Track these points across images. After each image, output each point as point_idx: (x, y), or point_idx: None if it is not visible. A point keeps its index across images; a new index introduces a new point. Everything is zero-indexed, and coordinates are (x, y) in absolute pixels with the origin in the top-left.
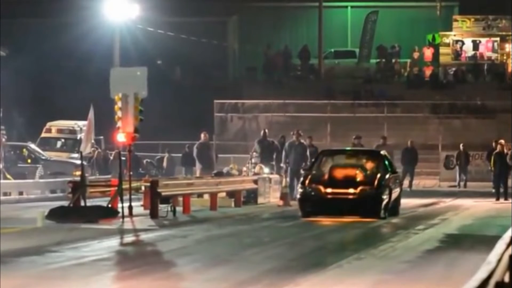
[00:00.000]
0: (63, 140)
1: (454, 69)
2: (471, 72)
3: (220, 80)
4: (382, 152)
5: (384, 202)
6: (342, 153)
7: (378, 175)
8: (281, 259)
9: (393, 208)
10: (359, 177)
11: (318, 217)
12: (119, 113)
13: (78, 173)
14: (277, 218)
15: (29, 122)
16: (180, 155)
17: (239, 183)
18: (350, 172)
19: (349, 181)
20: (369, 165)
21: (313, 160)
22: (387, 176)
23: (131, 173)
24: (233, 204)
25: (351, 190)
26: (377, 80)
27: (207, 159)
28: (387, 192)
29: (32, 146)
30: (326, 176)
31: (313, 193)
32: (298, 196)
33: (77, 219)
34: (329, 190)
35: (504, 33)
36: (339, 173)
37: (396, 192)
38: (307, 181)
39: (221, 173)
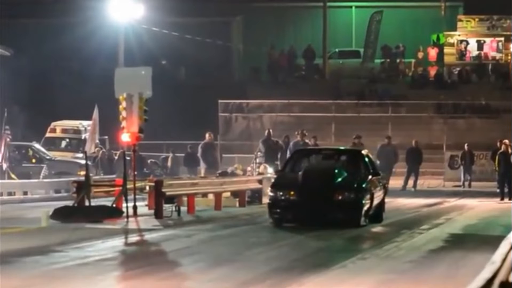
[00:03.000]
0: (67, 140)
1: (458, 69)
2: (475, 72)
3: (225, 80)
4: (364, 152)
5: (365, 208)
6: (319, 153)
7: (358, 178)
8: (284, 259)
9: (376, 214)
10: (336, 179)
11: (289, 224)
12: (123, 113)
13: (83, 173)
14: None
15: (34, 122)
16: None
17: (244, 183)
18: (326, 174)
19: (325, 185)
20: (348, 166)
21: (286, 160)
22: (369, 178)
23: (135, 173)
24: (237, 204)
25: (327, 195)
26: (381, 80)
27: (212, 159)
28: (368, 196)
29: (37, 146)
30: (299, 179)
31: (283, 198)
32: (267, 200)
33: (82, 219)
34: (301, 195)
35: (508, 33)
36: (314, 175)
37: (379, 197)
38: (277, 184)
39: (225, 173)
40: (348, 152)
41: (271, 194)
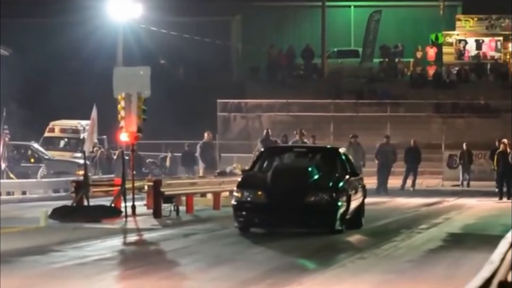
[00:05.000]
0: (66, 139)
1: (457, 68)
2: (474, 72)
3: (224, 79)
4: (341, 150)
5: (341, 211)
6: (290, 150)
7: (333, 178)
8: (284, 258)
9: (354, 219)
10: (309, 179)
11: (257, 229)
12: (122, 113)
13: (81, 172)
14: None
15: (32, 121)
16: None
17: None
18: (297, 173)
19: (296, 185)
20: (323, 165)
21: (254, 158)
22: (345, 178)
23: (134, 172)
24: None
25: (298, 196)
26: (380, 79)
27: (210, 158)
28: (344, 198)
29: (36, 145)
30: (268, 179)
31: (249, 199)
32: (232, 202)
33: (80, 218)
34: (270, 196)
35: (507, 32)
36: (284, 175)
37: (357, 199)
38: (243, 184)
39: (224, 172)
40: (323, 150)
41: (236, 195)
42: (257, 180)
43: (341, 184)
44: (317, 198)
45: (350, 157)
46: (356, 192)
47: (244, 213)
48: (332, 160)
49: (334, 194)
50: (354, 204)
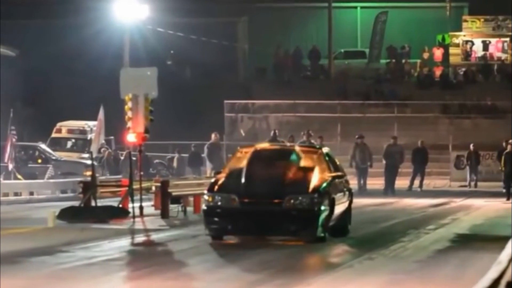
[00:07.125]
0: (73, 140)
1: (464, 69)
2: (481, 72)
3: (230, 80)
4: (324, 149)
5: (323, 216)
6: (268, 149)
7: (315, 179)
8: (292, 259)
9: (339, 226)
10: (288, 181)
11: (230, 236)
12: (129, 114)
13: (89, 173)
14: None
15: (39, 122)
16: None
17: None
18: (275, 174)
19: (274, 188)
20: (304, 165)
21: (228, 159)
22: (329, 180)
23: (141, 173)
24: None
25: (276, 200)
26: (387, 80)
27: (218, 159)
28: (326, 202)
29: (43, 146)
30: (242, 181)
31: (220, 203)
32: (202, 207)
33: (88, 219)
34: (244, 200)
35: None
36: (260, 177)
37: (342, 204)
38: (215, 187)
39: None
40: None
41: (207, 199)
42: (230, 182)
43: (323, 186)
44: (297, 202)
45: (356, 157)
46: (340, 196)
47: (216, 219)
48: (313, 160)
49: (315, 198)
50: (339, 208)
